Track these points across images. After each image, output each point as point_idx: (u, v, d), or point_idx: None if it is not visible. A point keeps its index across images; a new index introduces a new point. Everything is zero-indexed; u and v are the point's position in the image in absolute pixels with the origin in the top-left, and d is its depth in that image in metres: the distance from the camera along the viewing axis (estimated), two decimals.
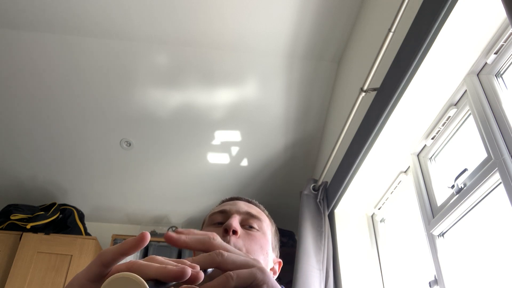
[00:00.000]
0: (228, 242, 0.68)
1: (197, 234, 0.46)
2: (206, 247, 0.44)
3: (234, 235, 0.69)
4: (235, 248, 0.46)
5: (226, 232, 0.70)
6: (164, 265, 0.37)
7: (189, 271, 0.37)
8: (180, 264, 0.39)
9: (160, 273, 0.37)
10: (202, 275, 0.38)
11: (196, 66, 2.20)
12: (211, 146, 2.58)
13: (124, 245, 0.39)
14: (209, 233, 0.46)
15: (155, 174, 2.76)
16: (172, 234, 0.43)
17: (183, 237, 0.43)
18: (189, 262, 0.40)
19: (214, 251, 0.43)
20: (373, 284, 1.81)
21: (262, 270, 0.43)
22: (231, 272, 0.41)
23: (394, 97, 1.37)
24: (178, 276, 0.36)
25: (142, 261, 0.38)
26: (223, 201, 0.83)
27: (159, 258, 0.40)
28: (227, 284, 0.39)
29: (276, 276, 0.76)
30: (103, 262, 0.39)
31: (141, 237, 0.39)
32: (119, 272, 0.38)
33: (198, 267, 0.40)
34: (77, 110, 2.39)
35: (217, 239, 0.45)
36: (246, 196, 0.85)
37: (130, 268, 0.38)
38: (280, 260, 0.80)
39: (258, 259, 0.63)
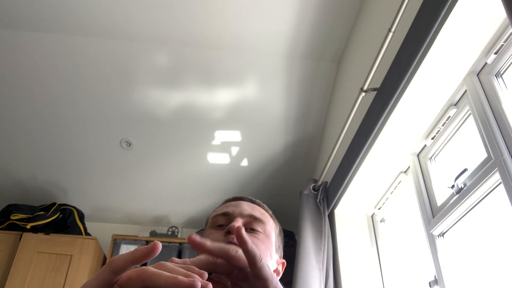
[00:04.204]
0: (232, 240, 0.67)
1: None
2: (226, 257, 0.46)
3: None
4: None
5: (229, 232, 0.69)
6: (174, 276, 0.38)
7: (199, 284, 0.37)
8: (189, 273, 0.39)
9: (171, 284, 0.37)
10: (210, 286, 0.38)
11: (196, 66, 2.20)
12: (211, 146, 2.58)
13: (135, 253, 0.39)
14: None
15: (155, 174, 2.76)
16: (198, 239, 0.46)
17: (208, 243, 0.45)
18: (197, 269, 0.41)
19: (231, 246, 0.46)
20: (373, 284, 1.81)
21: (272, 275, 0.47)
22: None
23: (394, 97, 1.37)
24: None
25: (152, 269, 0.38)
26: (226, 201, 0.82)
27: (169, 265, 0.40)
28: (258, 259, 0.45)
29: (279, 277, 0.76)
30: (113, 269, 0.39)
31: (153, 247, 0.39)
32: (130, 278, 0.38)
33: (206, 275, 0.40)
34: (77, 110, 2.39)
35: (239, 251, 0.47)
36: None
37: (141, 275, 0.38)
38: (284, 260, 0.79)
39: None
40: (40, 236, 2.49)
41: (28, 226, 2.49)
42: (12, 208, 2.62)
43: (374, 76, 1.49)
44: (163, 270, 0.39)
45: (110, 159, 2.65)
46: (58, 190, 2.85)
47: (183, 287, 0.37)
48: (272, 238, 0.75)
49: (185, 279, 0.37)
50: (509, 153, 1.09)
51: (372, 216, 2.04)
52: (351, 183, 1.82)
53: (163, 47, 2.13)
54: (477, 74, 1.28)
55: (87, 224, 2.79)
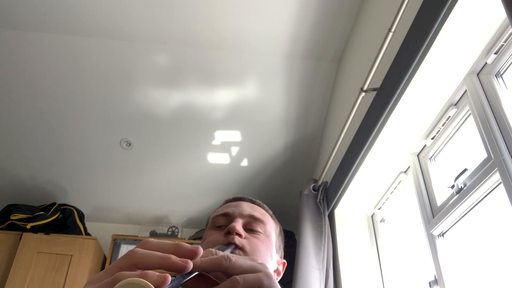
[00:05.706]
0: (232, 241, 0.67)
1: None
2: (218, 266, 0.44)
3: (238, 236, 0.68)
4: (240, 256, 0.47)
5: (229, 233, 0.69)
6: (167, 255, 0.38)
7: (191, 265, 0.38)
8: (179, 246, 0.39)
9: (165, 264, 0.37)
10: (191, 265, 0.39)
11: (196, 66, 2.20)
12: (211, 146, 2.58)
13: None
14: (209, 250, 0.46)
15: (155, 174, 2.76)
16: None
17: (198, 262, 0.42)
18: (186, 245, 0.40)
19: (222, 255, 0.43)
20: (373, 284, 1.81)
21: (268, 275, 0.43)
22: (237, 277, 0.41)
23: (394, 97, 1.37)
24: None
25: (142, 251, 0.38)
26: (226, 202, 0.82)
27: (154, 242, 0.40)
28: None
29: (280, 277, 0.76)
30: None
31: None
32: (121, 268, 0.37)
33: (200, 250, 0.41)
34: (77, 110, 2.39)
35: (219, 252, 0.45)
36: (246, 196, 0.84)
37: (131, 259, 0.37)
38: (284, 260, 0.79)
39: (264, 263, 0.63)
40: (40, 236, 2.49)
41: (28, 226, 2.49)
42: (12, 208, 2.62)
43: (374, 76, 1.49)
44: (151, 248, 0.39)
45: (110, 159, 2.65)
46: (58, 190, 2.85)
47: (177, 267, 0.37)
48: (272, 238, 0.75)
49: (178, 259, 0.37)
50: (509, 153, 1.09)
51: (372, 216, 2.04)
52: (351, 183, 1.82)
53: (163, 47, 2.13)
54: (477, 74, 1.28)
55: (87, 224, 2.79)
